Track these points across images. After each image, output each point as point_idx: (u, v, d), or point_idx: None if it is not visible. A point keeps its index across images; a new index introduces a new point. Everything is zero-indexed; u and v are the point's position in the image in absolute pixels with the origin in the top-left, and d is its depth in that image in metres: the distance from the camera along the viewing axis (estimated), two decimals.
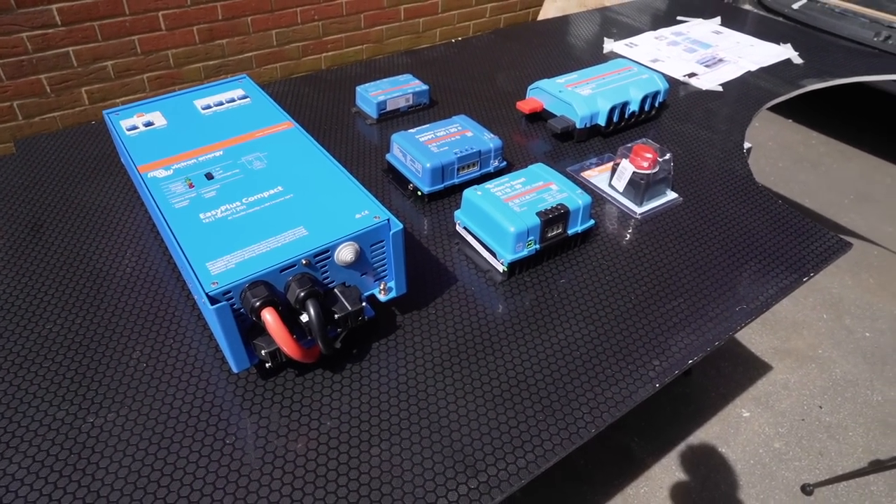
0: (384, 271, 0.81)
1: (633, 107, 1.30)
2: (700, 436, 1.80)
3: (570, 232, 0.97)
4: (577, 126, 1.25)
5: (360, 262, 0.78)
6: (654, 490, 1.66)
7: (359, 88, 1.34)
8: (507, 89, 1.49)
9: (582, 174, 1.18)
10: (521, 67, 1.61)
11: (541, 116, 1.34)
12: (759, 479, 1.70)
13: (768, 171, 3.03)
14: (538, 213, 0.92)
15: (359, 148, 1.25)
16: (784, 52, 1.75)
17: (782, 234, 1.07)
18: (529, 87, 1.34)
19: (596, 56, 1.69)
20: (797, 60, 1.71)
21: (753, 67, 1.65)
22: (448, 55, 1.66)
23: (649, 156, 1.07)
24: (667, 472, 1.70)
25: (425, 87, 1.35)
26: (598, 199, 1.13)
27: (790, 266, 1.00)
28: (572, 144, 1.28)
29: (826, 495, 1.67)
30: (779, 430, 1.83)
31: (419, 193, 1.09)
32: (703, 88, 1.53)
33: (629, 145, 1.11)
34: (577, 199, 0.96)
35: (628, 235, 1.05)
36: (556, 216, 0.93)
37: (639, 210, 1.09)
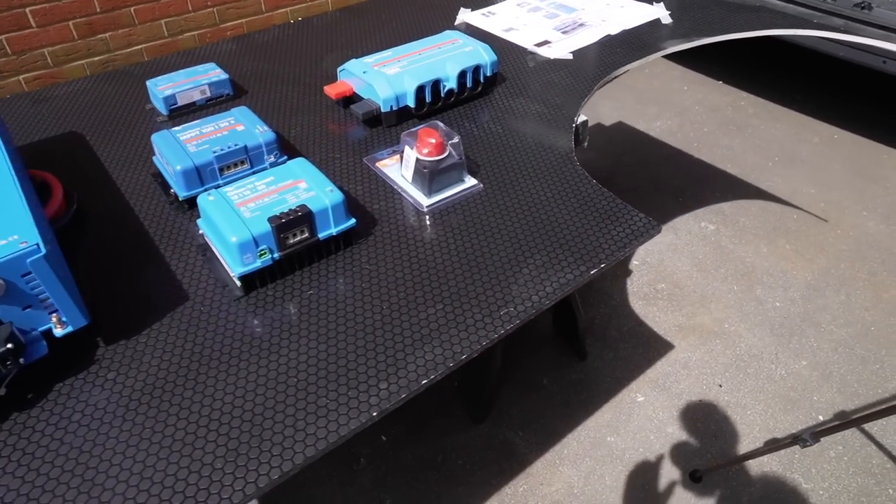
0: (52, 303, 0.70)
1: (450, 84, 1.18)
2: (589, 425, 1.72)
3: (321, 235, 0.85)
4: (382, 110, 1.13)
5: (16, 295, 0.67)
6: (534, 488, 1.57)
7: (149, 83, 1.21)
8: (332, 72, 1.36)
9: (377, 164, 1.06)
10: (357, 47, 1.48)
11: (353, 101, 1.22)
12: (647, 468, 1.62)
13: (692, 137, 2.92)
14: (270, 219, 0.80)
15: (140, 150, 1.12)
16: (655, 11, 1.63)
17: (586, 219, 0.96)
18: (339, 69, 1.22)
19: (446, 29, 1.56)
20: (667, 20, 1.59)
21: (615, 31, 1.52)
22: (282, 38, 1.52)
23: (433, 141, 0.95)
24: (549, 467, 1.62)
25: (224, 76, 1.23)
26: (389, 193, 1.01)
27: (582, 256, 0.89)
28: (383, 130, 1.17)
29: (716, 480, 1.59)
30: (673, 414, 1.75)
31: (179, 199, 0.97)
32: (552, 58, 1.41)
33: (414, 130, 0.99)
34: (323, 199, 0.84)
35: (409, 232, 0.94)
36: (293, 220, 0.81)
37: (426, 202, 0.98)
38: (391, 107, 1.13)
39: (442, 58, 1.20)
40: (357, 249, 0.90)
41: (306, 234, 0.84)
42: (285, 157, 1.03)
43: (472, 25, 1.56)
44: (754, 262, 2.23)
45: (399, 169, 1.04)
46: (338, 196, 0.85)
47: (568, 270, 0.87)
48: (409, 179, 1.00)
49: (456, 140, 0.98)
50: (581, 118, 1.22)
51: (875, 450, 1.65)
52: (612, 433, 1.70)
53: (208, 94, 1.21)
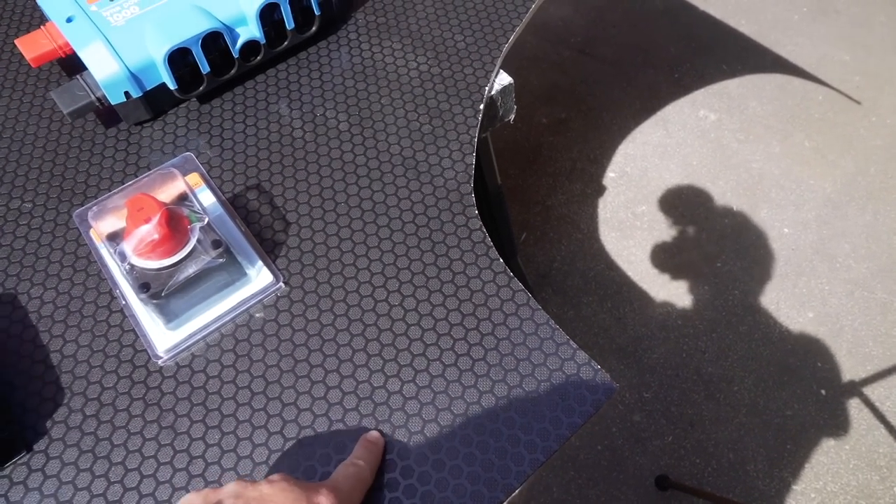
0: None
1: (249, 32, 0.62)
2: None
3: None
4: (109, 97, 0.59)
5: None
6: None
7: None
8: None
9: (94, 229, 0.56)
10: None
11: (80, 68, 0.66)
12: (605, 472, 1.32)
13: None
14: None
15: None
16: None
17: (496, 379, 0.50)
18: (40, 2, 0.64)
19: None
20: None
21: None
22: None
23: (150, 236, 0.45)
24: None
25: None
26: (102, 306, 0.53)
27: None
28: (129, 134, 0.64)
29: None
30: (643, 396, 1.41)
31: None
32: None
33: (105, 200, 0.48)
34: None
35: (116, 431, 0.48)
36: None
37: (162, 344, 0.50)
38: (129, 91, 0.59)
39: None
40: None
41: None
42: None
43: None
44: (763, 169, 1.75)
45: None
46: None
47: None
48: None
49: (205, 222, 0.47)
50: (502, 80, 0.68)
51: (884, 434, 1.35)
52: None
53: None
